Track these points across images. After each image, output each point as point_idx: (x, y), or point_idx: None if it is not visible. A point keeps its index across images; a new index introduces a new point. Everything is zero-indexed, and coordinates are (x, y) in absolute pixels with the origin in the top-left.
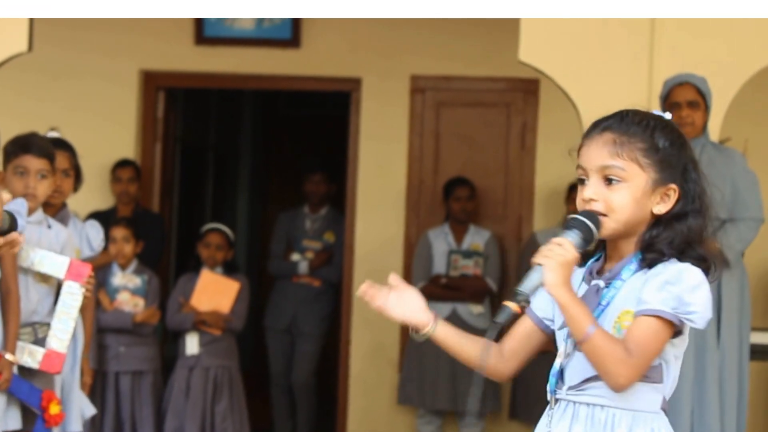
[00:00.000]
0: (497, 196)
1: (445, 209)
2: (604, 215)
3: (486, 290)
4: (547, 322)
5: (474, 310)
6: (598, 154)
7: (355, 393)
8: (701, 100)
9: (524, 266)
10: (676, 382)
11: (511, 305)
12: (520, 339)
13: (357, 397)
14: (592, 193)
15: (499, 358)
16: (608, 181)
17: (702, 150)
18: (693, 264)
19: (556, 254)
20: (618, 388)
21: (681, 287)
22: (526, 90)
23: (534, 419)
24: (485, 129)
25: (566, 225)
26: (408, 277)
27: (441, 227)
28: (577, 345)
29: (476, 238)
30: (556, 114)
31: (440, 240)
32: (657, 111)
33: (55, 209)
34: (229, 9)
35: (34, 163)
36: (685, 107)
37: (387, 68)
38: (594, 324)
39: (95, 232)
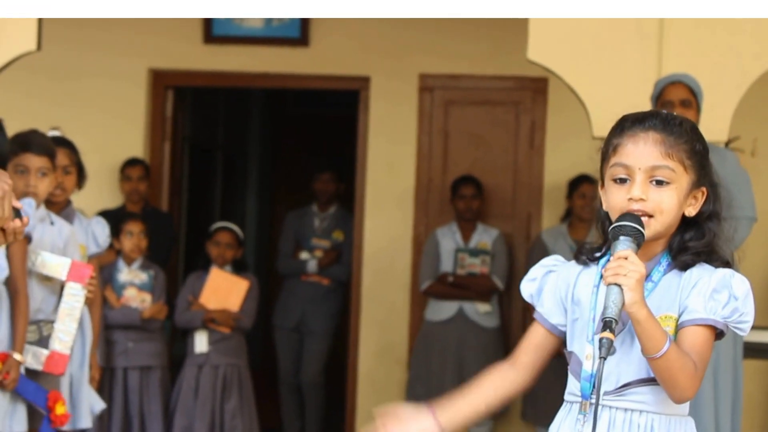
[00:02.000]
0: (506, 194)
1: (453, 208)
2: (651, 216)
3: (493, 289)
4: (561, 328)
5: (480, 309)
6: (649, 153)
7: (363, 392)
8: (693, 99)
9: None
10: None
11: (609, 335)
12: (536, 350)
13: (366, 395)
14: (642, 193)
15: (514, 376)
16: (656, 182)
17: None
18: (722, 267)
19: (630, 271)
20: (683, 401)
21: (732, 296)
22: (535, 89)
23: (544, 420)
24: (494, 128)
25: (616, 233)
26: (415, 275)
27: (449, 226)
28: (648, 361)
29: (484, 236)
30: (565, 113)
31: (448, 238)
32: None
33: (59, 207)
34: (238, 9)
35: (34, 161)
36: (677, 106)
37: (395, 67)
38: (669, 340)
39: (101, 228)
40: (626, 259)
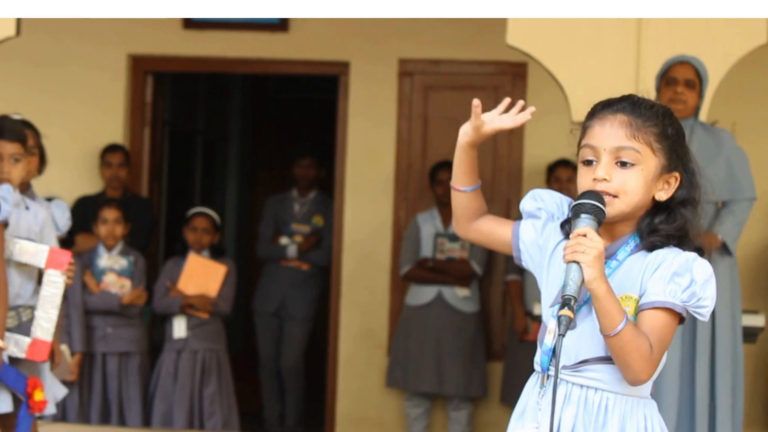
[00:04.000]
0: (485, 178)
1: (432, 193)
2: (615, 196)
3: (471, 274)
4: (522, 255)
5: (459, 293)
6: (614, 135)
7: (344, 376)
8: (698, 82)
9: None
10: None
11: (567, 313)
12: (493, 231)
13: (346, 380)
14: (605, 173)
15: (473, 219)
16: (621, 163)
17: (692, 131)
18: (691, 252)
19: (588, 248)
20: (637, 383)
21: (692, 280)
22: (514, 73)
23: None
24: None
25: (576, 210)
26: (396, 260)
27: (429, 211)
28: (605, 339)
29: None
30: (544, 97)
31: (428, 223)
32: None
33: (21, 189)
34: (217, 9)
35: (7, 147)
36: (681, 84)
37: (375, 52)
38: (626, 319)
39: (61, 212)
40: (585, 236)
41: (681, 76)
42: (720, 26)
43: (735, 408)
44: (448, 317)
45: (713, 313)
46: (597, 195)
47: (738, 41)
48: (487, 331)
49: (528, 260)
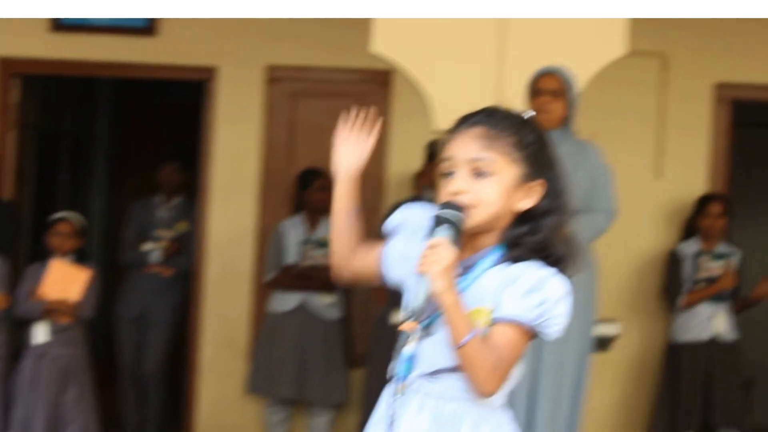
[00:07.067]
0: None
1: (298, 200)
2: (471, 208)
3: (336, 280)
4: (386, 272)
5: (324, 300)
6: (469, 146)
7: (204, 383)
8: (564, 92)
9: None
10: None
11: (408, 327)
12: (367, 259)
13: (206, 387)
14: (461, 185)
15: (354, 252)
16: (477, 174)
17: (560, 143)
18: (552, 266)
19: (439, 259)
20: (485, 396)
21: (546, 298)
22: (380, 81)
23: None
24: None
25: (434, 222)
26: (259, 266)
27: (295, 217)
28: (454, 350)
29: (329, 228)
30: (410, 103)
31: (293, 230)
32: (518, 109)
33: None
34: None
35: None
36: (545, 94)
37: (243, 57)
38: (471, 331)
39: None
40: (436, 247)
41: (545, 87)
42: (578, 40)
43: (571, 418)
44: (311, 325)
45: None
46: (452, 205)
47: (597, 54)
48: (350, 338)
49: (392, 274)
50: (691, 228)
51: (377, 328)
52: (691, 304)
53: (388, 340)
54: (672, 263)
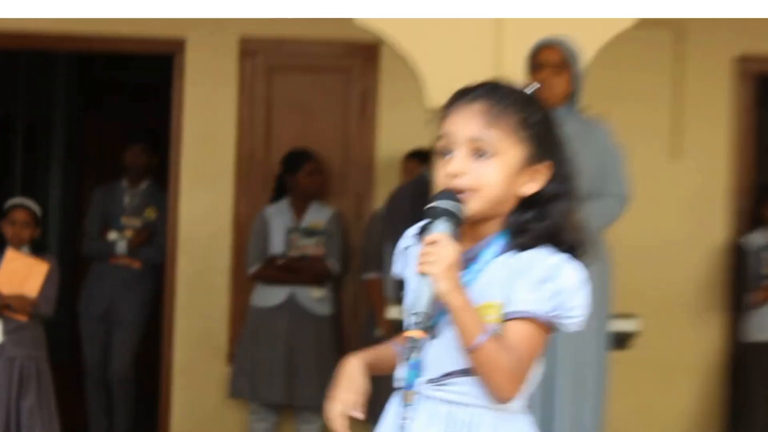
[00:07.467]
0: (335, 170)
1: (283, 184)
2: (471, 191)
3: (326, 272)
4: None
5: (314, 294)
6: (469, 123)
7: (179, 386)
8: (567, 65)
9: (369, 247)
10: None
11: (416, 334)
12: None
13: (181, 391)
14: (461, 167)
15: None
16: (478, 154)
17: (565, 121)
18: (564, 253)
19: (440, 257)
20: (503, 401)
21: (561, 288)
22: (366, 55)
23: (377, 417)
24: (321, 97)
25: (430, 213)
26: (239, 257)
27: (279, 203)
28: (466, 353)
29: (319, 215)
30: (400, 81)
31: (278, 217)
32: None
33: None
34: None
35: None
36: (548, 68)
37: (214, 29)
38: (485, 332)
39: None
40: (435, 244)
41: (547, 61)
42: (579, 13)
43: (595, 414)
44: (300, 321)
45: None
46: (450, 195)
47: (597, 28)
48: (342, 335)
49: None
50: (755, 218)
51: (370, 325)
52: (762, 301)
53: (383, 338)
54: (738, 257)
